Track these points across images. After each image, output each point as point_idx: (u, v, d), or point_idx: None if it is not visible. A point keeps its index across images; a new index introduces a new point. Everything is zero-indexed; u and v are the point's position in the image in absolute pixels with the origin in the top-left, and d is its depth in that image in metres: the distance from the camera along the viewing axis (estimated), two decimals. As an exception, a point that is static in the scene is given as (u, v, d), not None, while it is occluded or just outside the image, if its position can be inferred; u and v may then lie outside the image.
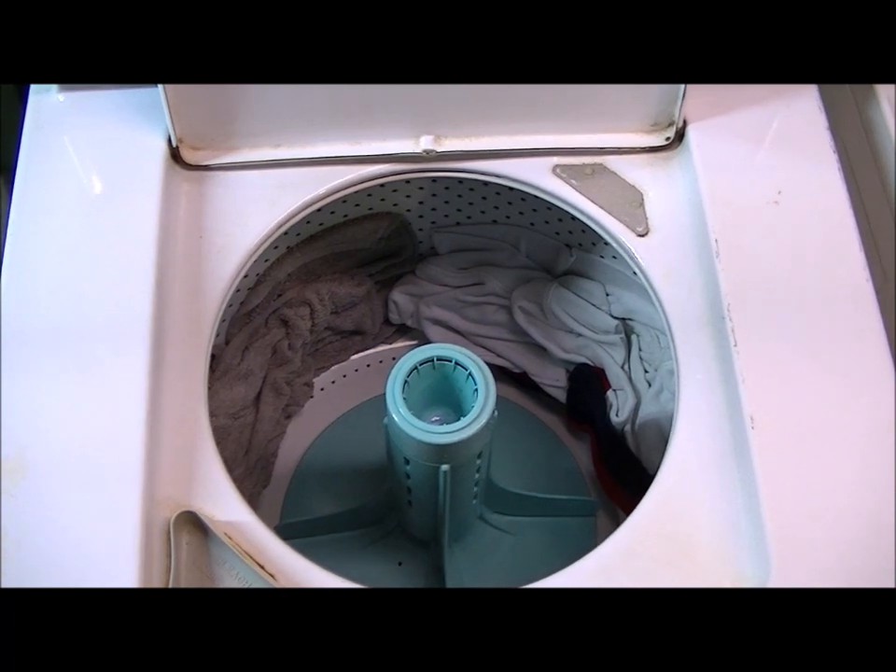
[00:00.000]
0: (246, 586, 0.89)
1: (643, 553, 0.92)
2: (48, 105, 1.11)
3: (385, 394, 1.04)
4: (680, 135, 1.12)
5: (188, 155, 1.10)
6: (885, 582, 0.86)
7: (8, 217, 1.04)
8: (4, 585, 0.85)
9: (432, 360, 1.05)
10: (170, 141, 1.09)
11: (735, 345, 0.97)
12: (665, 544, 0.92)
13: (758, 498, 0.90)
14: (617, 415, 1.36)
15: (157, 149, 1.09)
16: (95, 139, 1.10)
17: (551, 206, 1.14)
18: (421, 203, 1.34)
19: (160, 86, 1.02)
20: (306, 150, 1.12)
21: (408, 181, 1.23)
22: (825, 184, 1.07)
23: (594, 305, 1.38)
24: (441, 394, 1.10)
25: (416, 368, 1.05)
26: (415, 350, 1.06)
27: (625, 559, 0.92)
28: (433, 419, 1.11)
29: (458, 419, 1.03)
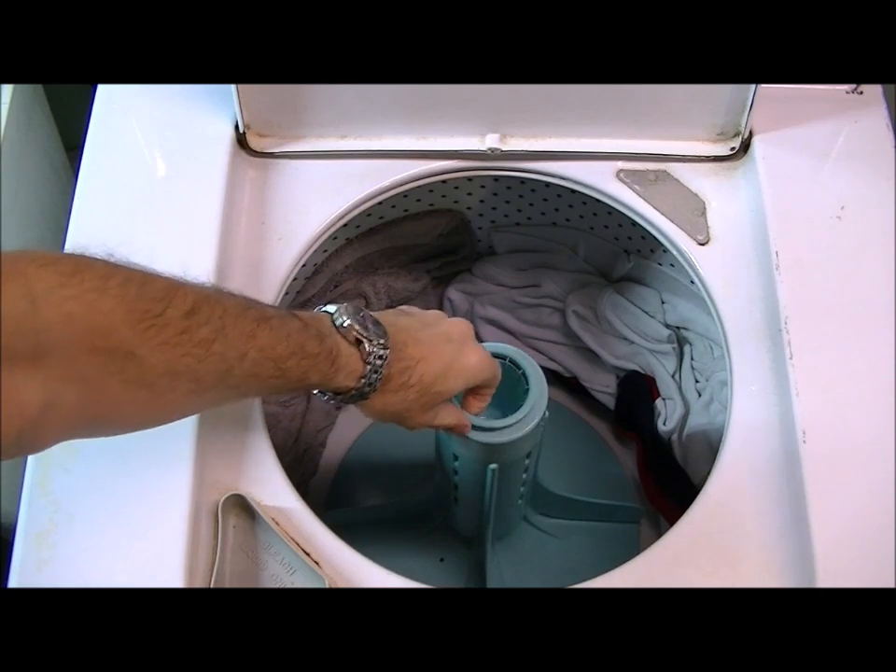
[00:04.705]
0: (291, 572, 0.90)
1: (687, 561, 0.91)
2: (117, 87, 1.12)
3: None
4: (746, 146, 1.11)
5: (254, 142, 1.11)
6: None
7: (74, 196, 1.05)
8: (57, 557, 0.86)
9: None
10: (237, 127, 1.10)
11: (791, 358, 0.97)
12: (709, 554, 0.92)
13: (806, 514, 0.90)
14: (664, 424, 1.36)
15: (223, 135, 1.10)
16: (163, 122, 1.11)
17: (612, 211, 1.14)
18: (482, 201, 1.35)
19: (230, 73, 1.03)
20: (371, 143, 1.12)
21: (470, 179, 1.23)
22: (889, 201, 1.06)
23: (647, 313, 1.38)
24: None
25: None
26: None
27: (669, 567, 0.91)
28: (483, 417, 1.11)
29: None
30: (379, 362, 0.83)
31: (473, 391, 0.98)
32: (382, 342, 0.83)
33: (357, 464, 1.53)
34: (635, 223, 1.12)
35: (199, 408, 0.80)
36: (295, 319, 0.79)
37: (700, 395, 1.33)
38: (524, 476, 1.15)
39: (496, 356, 1.04)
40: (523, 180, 1.24)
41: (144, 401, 0.70)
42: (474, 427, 1.01)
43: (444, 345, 0.90)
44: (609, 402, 1.51)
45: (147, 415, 0.73)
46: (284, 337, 0.77)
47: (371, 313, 0.87)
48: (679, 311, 1.33)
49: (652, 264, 1.33)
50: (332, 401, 0.86)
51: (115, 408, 0.69)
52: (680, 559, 0.92)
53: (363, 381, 0.83)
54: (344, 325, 0.82)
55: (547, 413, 1.03)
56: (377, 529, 1.35)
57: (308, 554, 0.90)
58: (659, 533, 1.36)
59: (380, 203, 1.14)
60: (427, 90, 1.08)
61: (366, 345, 0.82)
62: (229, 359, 0.73)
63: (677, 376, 1.38)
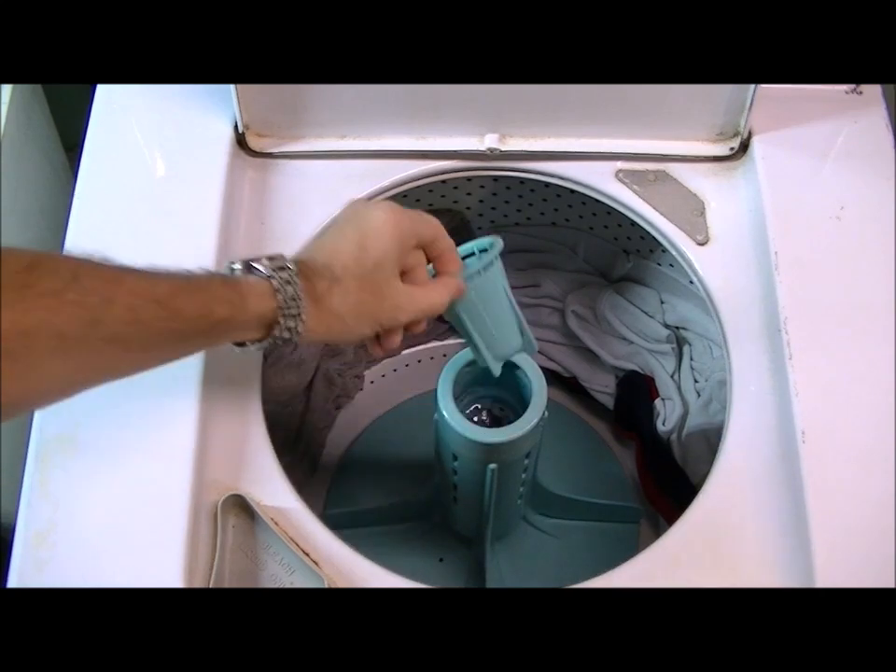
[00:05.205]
0: (290, 572, 0.90)
1: (687, 561, 0.91)
2: (117, 87, 1.12)
3: (434, 390, 1.04)
4: (745, 146, 1.11)
5: (253, 142, 1.11)
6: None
7: (74, 196, 1.05)
8: (57, 557, 0.86)
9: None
10: (236, 127, 1.10)
11: (791, 358, 0.97)
12: (708, 554, 0.92)
13: (805, 514, 0.90)
14: (664, 424, 1.36)
15: (223, 135, 1.10)
16: (162, 122, 1.11)
17: (611, 211, 1.13)
18: (481, 201, 1.35)
19: (230, 73, 1.03)
20: (371, 143, 1.12)
21: (470, 179, 1.23)
22: (889, 201, 1.06)
23: (646, 313, 1.38)
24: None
25: (469, 364, 1.05)
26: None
27: (669, 566, 0.91)
28: None
29: (508, 418, 1.03)
30: (285, 273, 0.77)
31: (430, 252, 0.90)
32: (278, 255, 0.79)
33: (356, 464, 1.53)
34: (634, 223, 1.12)
35: (86, 375, 0.70)
36: (165, 270, 0.74)
37: (699, 395, 1.33)
38: (523, 476, 1.15)
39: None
40: (522, 180, 1.24)
41: (6, 373, 0.62)
42: (474, 428, 1.01)
43: (346, 228, 0.83)
44: (609, 402, 1.51)
45: (17, 390, 0.64)
46: (161, 278, 0.72)
47: None
48: (678, 311, 1.33)
49: (652, 264, 1.33)
50: (272, 345, 0.79)
51: None
52: (679, 559, 0.92)
53: (280, 297, 0.77)
54: (231, 265, 0.78)
55: (546, 412, 1.03)
56: (377, 529, 1.35)
57: (307, 554, 0.90)
58: (658, 533, 1.36)
59: (379, 203, 1.14)
60: (427, 90, 1.08)
61: (262, 261, 0.78)
62: (91, 306, 0.66)
63: (676, 376, 1.38)
